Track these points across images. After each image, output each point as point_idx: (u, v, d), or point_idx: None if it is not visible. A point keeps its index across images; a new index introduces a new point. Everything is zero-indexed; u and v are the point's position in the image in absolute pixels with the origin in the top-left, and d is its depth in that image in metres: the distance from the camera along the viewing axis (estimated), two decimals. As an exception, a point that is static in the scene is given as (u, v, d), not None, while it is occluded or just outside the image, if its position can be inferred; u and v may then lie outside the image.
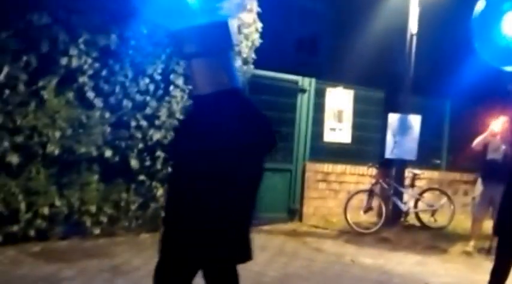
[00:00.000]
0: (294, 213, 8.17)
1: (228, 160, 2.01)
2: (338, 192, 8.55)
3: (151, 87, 5.95)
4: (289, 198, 8.16)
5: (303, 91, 8.29)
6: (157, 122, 6.00)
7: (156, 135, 5.98)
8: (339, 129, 8.61)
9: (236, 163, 2.03)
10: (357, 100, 8.71)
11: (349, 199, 7.76)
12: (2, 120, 4.89)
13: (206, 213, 2.03)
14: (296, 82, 8.29)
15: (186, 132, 2.17)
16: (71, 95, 5.28)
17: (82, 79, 5.36)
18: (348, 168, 8.68)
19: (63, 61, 5.21)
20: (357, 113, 8.69)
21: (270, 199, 7.89)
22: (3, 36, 4.91)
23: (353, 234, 7.35)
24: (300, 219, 8.15)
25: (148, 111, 5.92)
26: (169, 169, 1.99)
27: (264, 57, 7.52)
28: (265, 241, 6.51)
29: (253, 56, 7.37)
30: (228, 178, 2.02)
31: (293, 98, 8.25)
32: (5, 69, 4.92)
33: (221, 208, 2.03)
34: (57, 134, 5.12)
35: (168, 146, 2.32)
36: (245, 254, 2.14)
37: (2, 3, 4.97)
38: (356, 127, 8.68)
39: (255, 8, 7.33)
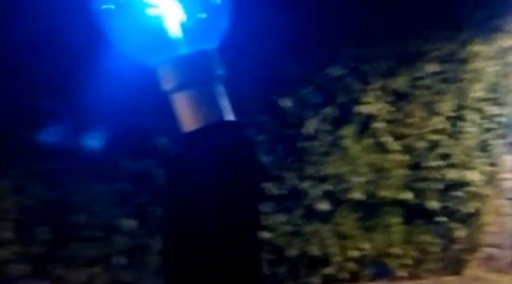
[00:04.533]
0: None
1: (220, 200, 2.00)
2: None
3: (445, 126, 6.63)
4: None
5: None
6: (452, 161, 6.66)
7: (452, 174, 6.63)
8: None
9: (229, 200, 2.00)
10: None
11: None
12: (311, 170, 6.11)
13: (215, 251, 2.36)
14: None
15: (178, 174, 2.10)
16: (368, 141, 6.28)
17: (377, 124, 6.33)
18: None
19: (359, 109, 6.27)
20: None
21: None
22: (304, 92, 6.18)
23: None
24: None
25: (442, 150, 6.63)
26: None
27: None
28: None
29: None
30: (224, 218, 2.36)
31: None
32: (309, 123, 6.15)
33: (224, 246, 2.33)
34: (360, 180, 6.16)
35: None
36: None
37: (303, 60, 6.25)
38: None
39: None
